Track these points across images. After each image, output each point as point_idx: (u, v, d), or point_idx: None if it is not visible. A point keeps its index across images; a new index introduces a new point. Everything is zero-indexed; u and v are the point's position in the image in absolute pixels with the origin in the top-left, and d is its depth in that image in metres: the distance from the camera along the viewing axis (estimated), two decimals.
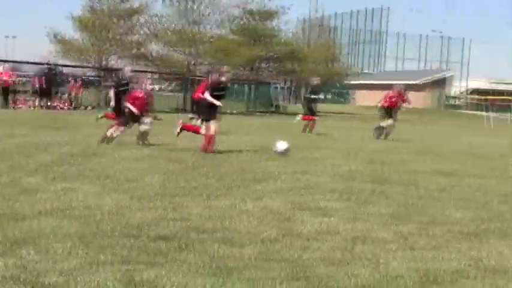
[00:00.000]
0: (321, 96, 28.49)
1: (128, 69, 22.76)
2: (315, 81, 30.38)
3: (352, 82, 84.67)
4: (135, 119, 18.31)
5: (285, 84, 77.63)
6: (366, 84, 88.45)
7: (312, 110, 28.40)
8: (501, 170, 16.48)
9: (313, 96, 28.90)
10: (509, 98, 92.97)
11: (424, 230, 8.71)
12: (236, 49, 53.13)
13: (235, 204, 9.91)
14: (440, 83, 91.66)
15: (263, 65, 59.78)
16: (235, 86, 54.55)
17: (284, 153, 16.91)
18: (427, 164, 16.97)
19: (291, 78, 72.30)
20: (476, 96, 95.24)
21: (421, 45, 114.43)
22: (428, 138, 25.59)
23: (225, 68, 19.70)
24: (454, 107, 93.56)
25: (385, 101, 26.40)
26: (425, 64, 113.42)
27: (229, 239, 7.70)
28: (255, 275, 6.37)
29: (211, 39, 54.69)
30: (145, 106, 18.62)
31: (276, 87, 72.33)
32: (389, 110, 26.15)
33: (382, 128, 26.04)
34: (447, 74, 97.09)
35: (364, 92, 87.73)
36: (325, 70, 64.82)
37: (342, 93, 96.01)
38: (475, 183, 13.53)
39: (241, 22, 57.56)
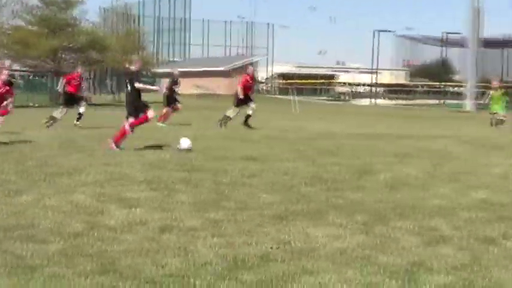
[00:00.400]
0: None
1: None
2: (176, 71, 29.71)
3: (160, 71, 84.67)
4: None
5: (90, 75, 76.28)
6: None
7: (175, 100, 27.86)
8: (306, 152, 16.80)
9: (175, 88, 28.25)
10: (314, 81, 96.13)
11: (233, 216, 8.75)
12: (36, 40, 51.84)
13: (40, 200, 9.57)
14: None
15: (66, 55, 58.58)
16: (37, 78, 53.29)
17: (187, 149, 16.45)
18: (237, 150, 17.05)
19: (95, 68, 71.08)
20: (282, 81, 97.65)
21: (226, 32, 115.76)
22: (237, 125, 25.78)
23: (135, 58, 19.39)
24: (262, 92, 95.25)
25: (243, 87, 25.84)
26: (230, 50, 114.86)
27: (32, 236, 7.42)
28: (60, 271, 6.17)
29: (9, 31, 53.11)
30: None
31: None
32: (247, 96, 25.75)
33: (228, 117, 25.59)
34: (253, 60, 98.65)
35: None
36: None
37: (151, 83, 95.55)
38: (283, 167, 13.71)
39: (40, 12, 56.18)
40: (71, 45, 57.11)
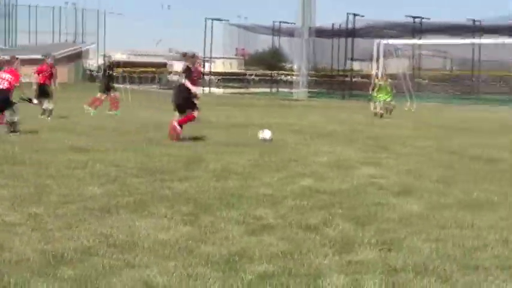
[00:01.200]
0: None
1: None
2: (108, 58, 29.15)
3: None
4: None
5: None
6: None
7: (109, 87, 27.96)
8: (136, 143, 16.47)
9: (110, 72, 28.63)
10: (145, 69, 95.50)
11: (56, 210, 8.52)
12: None
13: None
14: (78, 56, 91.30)
15: None
16: None
17: (268, 140, 17.37)
18: (64, 141, 16.50)
19: None
20: (121, 69, 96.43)
21: (55, 18, 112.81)
22: (66, 116, 25.07)
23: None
24: (95, 80, 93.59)
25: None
26: (60, 37, 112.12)
27: None
28: None
29: None
30: None
31: None
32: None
33: None
34: (84, 47, 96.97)
35: None
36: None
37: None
38: (111, 158, 13.47)
39: None
40: None
